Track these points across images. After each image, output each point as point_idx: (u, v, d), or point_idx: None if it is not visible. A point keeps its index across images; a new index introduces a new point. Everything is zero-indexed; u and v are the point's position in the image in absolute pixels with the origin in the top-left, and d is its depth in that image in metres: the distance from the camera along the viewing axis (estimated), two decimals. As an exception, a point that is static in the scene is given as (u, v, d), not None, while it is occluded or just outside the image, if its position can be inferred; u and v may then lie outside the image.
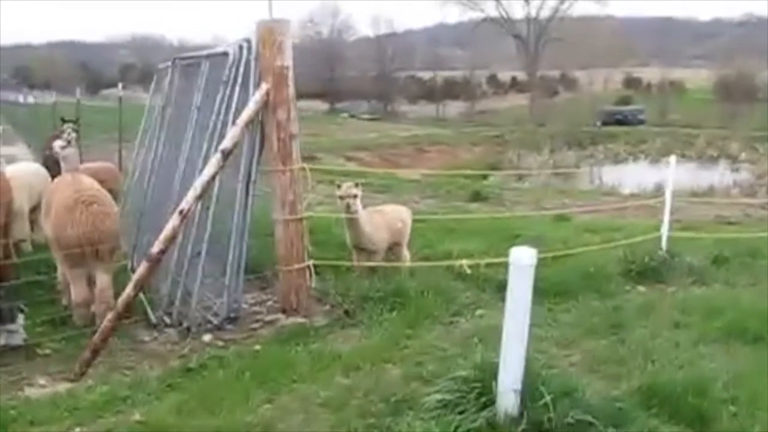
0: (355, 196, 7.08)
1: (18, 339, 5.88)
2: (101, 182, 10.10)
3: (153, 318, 6.52)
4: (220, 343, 6.13)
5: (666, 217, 8.61)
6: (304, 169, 6.47)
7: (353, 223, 7.13)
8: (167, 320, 6.48)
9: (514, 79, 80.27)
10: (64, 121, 12.39)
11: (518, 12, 70.67)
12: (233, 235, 6.34)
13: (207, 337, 6.23)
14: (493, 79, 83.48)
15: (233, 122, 6.18)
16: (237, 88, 6.35)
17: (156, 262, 5.71)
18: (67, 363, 5.68)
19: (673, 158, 8.96)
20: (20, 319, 5.96)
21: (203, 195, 5.95)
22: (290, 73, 6.25)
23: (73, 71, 79.20)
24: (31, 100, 22.49)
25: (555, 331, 6.44)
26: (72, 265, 6.24)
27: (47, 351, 5.95)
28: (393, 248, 7.83)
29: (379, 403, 4.87)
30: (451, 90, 76.51)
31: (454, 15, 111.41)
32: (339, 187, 7.12)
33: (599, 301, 7.29)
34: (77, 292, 6.28)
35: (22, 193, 8.27)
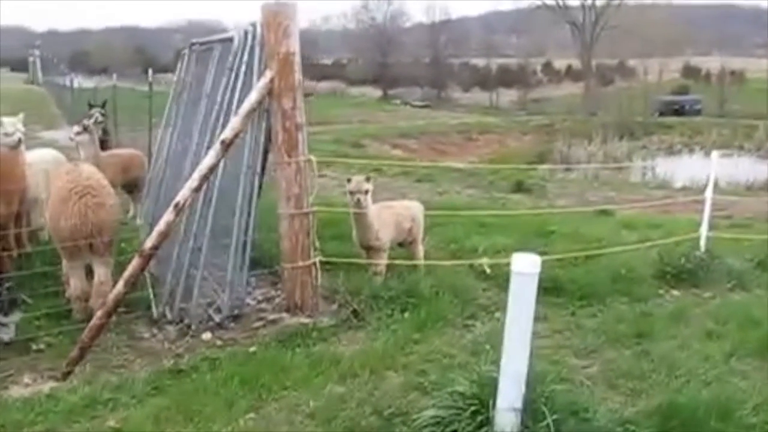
0: (366, 192, 6.68)
1: (5, 335, 5.65)
2: (127, 169, 10.07)
3: (155, 313, 6.27)
4: (219, 343, 5.85)
5: (706, 216, 8.05)
6: (310, 160, 6.10)
7: (361, 219, 6.75)
8: (169, 316, 6.23)
9: (569, 67, 78.76)
10: (91, 105, 12.28)
11: (575, -2, 69.20)
12: (235, 228, 6.04)
13: (207, 336, 5.96)
14: (547, 67, 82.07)
15: (237, 111, 5.87)
16: (241, 76, 6.05)
17: (148, 257, 5.44)
18: (58, 360, 5.44)
19: (715, 154, 8.39)
20: (15, 314, 5.72)
21: (201, 187, 5.65)
22: (296, 59, 5.89)
23: (130, 56, 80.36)
24: (76, 84, 22.60)
25: (576, 339, 6.05)
26: (68, 257, 6.04)
27: (41, 346, 5.73)
28: (406, 246, 7.45)
29: (371, 415, 4.56)
30: (505, 77, 75.38)
31: (508, 2, 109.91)
32: (349, 181, 6.74)
33: (628, 305, 6.85)
34: (74, 285, 6.08)
35: (39, 180, 8.10)
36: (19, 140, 7.67)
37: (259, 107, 5.95)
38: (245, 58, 6.06)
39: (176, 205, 5.50)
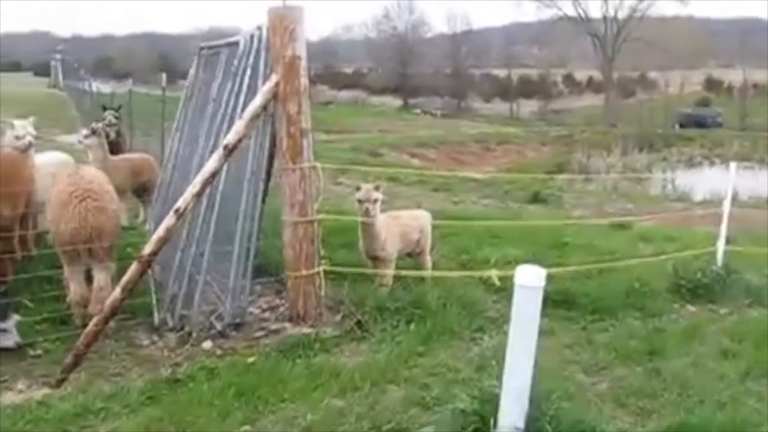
0: (376, 201, 6.52)
1: (9, 340, 5.56)
2: (137, 174, 10.00)
3: (156, 320, 6.16)
4: (219, 352, 5.70)
5: (723, 229, 7.83)
6: (315, 167, 5.97)
7: (369, 228, 6.58)
8: (170, 323, 6.11)
9: (590, 78, 78.41)
10: (105, 108, 12.25)
11: (596, 11, 68.91)
12: (238, 235, 5.92)
13: (207, 344, 5.83)
14: (569, 78, 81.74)
15: (241, 116, 5.75)
16: (246, 80, 5.94)
17: (147, 263, 5.33)
18: (54, 366, 5.32)
19: (733, 165, 8.18)
20: (12, 320, 5.62)
21: (203, 192, 5.54)
22: (303, 64, 5.76)
23: (152, 62, 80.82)
24: (95, 88, 22.67)
25: (586, 354, 5.87)
26: (68, 261, 5.93)
27: (38, 352, 5.63)
28: (414, 257, 7.29)
29: (370, 430, 4.41)
30: (526, 88, 75.19)
31: (530, 13, 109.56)
32: (358, 189, 6.59)
33: (641, 320, 6.66)
34: (74, 290, 5.97)
35: (46, 183, 8.02)
36: (30, 143, 7.61)
37: (264, 112, 5.83)
38: (251, 61, 5.95)
39: (177, 210, 5.39)
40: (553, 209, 17.06)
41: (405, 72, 74.90)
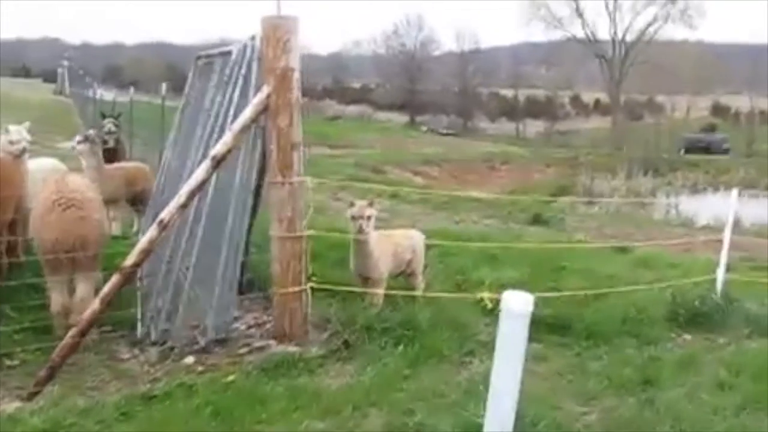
0: (369, 217, 6.38)
1: None
2: (131, 182, 9.88)
3: (138, 333, 6.01)
4: (200, 368, 5.55)
5: (723, 257, 7.67)
6: (305, 182, 5.83)
7: (361, 246, 6.43)
8: (153, 337, 5.96)
9: (597, 100, 78.40)
10: (104, 116, 12.16)
11: (604, 33, 68.91)
12: (224, 248, 5.78)
13: (189, 360, 5.68)
14: (576, 100, 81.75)
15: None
16: (238, 90, 5.82)
17: (127, 275, 5.19)
18: (30, 378, 5.18)
19: (735, 191, 8.01)
20: None
21: (188, 204, 5.41)
22: (295, 76, 5.63)
23: (161, 71, 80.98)
24: (99, 96, 22.61)
25: (577, 382, 5.69)
26: (50, 271, 5.80)
27: (15, 362, 5.50)
28: (405, 278, 7.13)
29: (347, 457, 4.24)
30: (533, 108, 75.22)
31: (538, 34, 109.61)
32: (352, 205, 6.45)
33: (636, 349, 6.46)
34: (55, 299, 5.84)
35: (37, 189, 7.90)
36: (24, 149, 7.51)
37: (256, 124, 5.71)
38: (243, 72, 5.83)
39: (160, 222, 5.26)
40: (554, 231, 16.88)
41: (413, 88, 74.97)
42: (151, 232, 5.24)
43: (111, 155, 11.19)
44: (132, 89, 18.67)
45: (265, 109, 5.61)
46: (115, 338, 6.02)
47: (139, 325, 6.12)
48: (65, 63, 47.80)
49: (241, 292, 7.00)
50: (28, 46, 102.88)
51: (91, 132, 9.41)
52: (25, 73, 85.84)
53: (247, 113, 5.53)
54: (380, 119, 73.07)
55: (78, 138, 9.16)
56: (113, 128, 11.55)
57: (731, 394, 5.50)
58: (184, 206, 5.35)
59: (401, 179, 31.10)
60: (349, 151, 38.22)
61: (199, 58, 7.71)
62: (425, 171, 36.90)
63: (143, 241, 5.21)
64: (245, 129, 5.54)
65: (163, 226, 5.26)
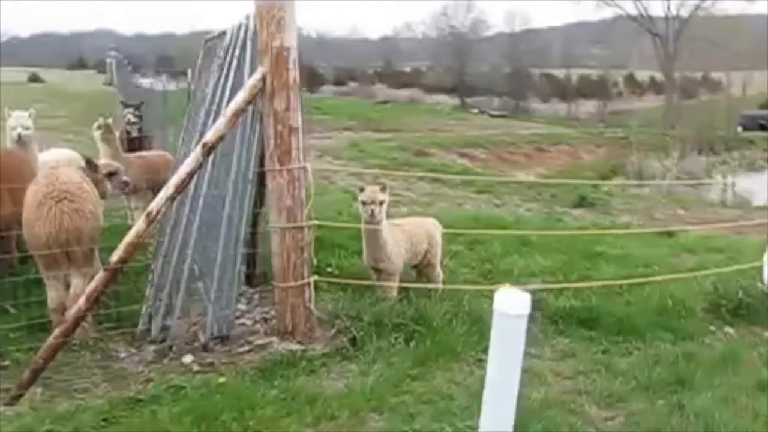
0: (382, 203, 5.96)
1: None
2: (152, 171, 9.64)
3: (138, 331, 5.74)
4: (196, 368, 5.25)
5: (771, 242, 7.08)
6: (305, 168, 5.45)
7: (373, 235, 6.02)
8: (153, 335, 5.68)
9: (652, 79, 76.39)
10: (124, 106, 11.97)
11: (657, 9, 66.82)
12: (221, 240, 5.46)
13: (187, 359, 5.38)
14: (629, 79, 79.80)
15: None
16: (232, 73, 5.47)
17: (114, 271, 4.89)
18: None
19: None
20: None
21: (177, 195, 5.08)
22: (292, 56, 5.24)
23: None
24: (146, 85, 22.59)
25: (603, 382, 5.22)
26: (44, 266, 5.55)
27: (6, 362, 5.27)
28: (421, 269, 6.71)
29: (335, 469, 3.88)
30: (585, 89, 73.61)
31: (588, 12, 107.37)
32: (362, 190, 6.05)
33: (672, 344, 5.96)
34: (51, 296, 5.59)
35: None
36: (19, 136, 7.28)
37: (253, 108, 5.36)
38: (237, 53, 5.48)
39: (148, 214, 4.95)
40: (599, 215, 16.23)
41: (463, 71, 73.98)
42: (139, 225, 4.94)
43: (135, 145, 11.01)
44: (164, 78, 18.53)
45: (260, 92, 5.24)
46: (115, 336, 5.76)
47: (141, 321, 5.86)
48: (113, 54, 48.11)
49: (254, 286, 6.72)
50: (83, 38, 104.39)
51: (101, 119, 9.18)
52: (81, 65, 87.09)
53: (240, 97, 5.17)
54: (429, 102, 72.33)
55: (96, 125, 8.97)
56: (133, 119, 11.34)
57: (773, 396, 4.99)
58: (172, 198, 5.02)
59: (446, 162, 30.49)
60: (396, 135, 37.69)
61: (207, 40, 7.39)
62: (472, 153, 36.10)
63: (130, 235, 4.90)
64: (238, 113, 5.18)
65: (151, 219, 4.95)
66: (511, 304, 3.23)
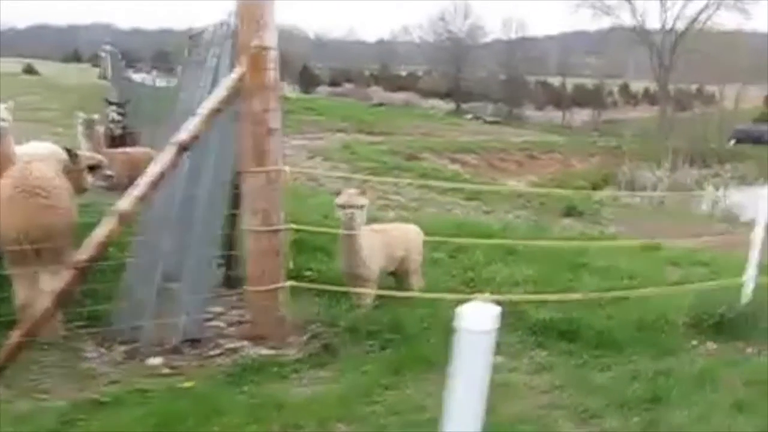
0: (361, 207, 5.86)
1: None
2: (135, 168, 9.51)
3: (109, 331, 5.62)
4: (165, 371, 5.15)
5: (754, 258, 7.01)
6: (282, 171, 5.35)
7: (349, 241, 5.91)
8: (125, 335, 5.57)
9: (646, 89, 76.58)
10: (109, 103, 11.85)
11: (654, 21, 66.89)
12: (195, 242, 5.36)
13: (156, 361, 5.27)
14: (624, 89, 80.00)
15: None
16: (212, 72, 5.37)
17: (82, 271, 4.78)
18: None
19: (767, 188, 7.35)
20: None
21: (147, 195, 4.97)
22: (271, 56, 5.15)
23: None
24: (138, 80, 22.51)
25: (579, 397, 5.12)
26: (12, 262, 5.42)
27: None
28: (399, 277, 6.60)
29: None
30: (580, 97, 73.79)
31: (585, 22, 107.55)
32: (339, 194, 5.94)
33: (651, 359, 5.87)
34: (19, 294, 5.44)
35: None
36: None
37: (230, 107, 5.26)
38: (216, 51, 5.38)
39: (120, 213, 4.84)
40: (587, 224, 16.20)
41: (459, 76, 74.01)
42: (109, 223, 4.82)
43: (118, 143, 10.90)
44: (155, 73, 18.41)
45: (238, 92, 5.15)
46: (85, 335, 5.64)
47: (112, 321, 5.74)
48: (107, 48, 47.88)
49: (233, 288, 6.61)
50: (79, 32, 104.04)
51: (82, 115, 9.08)
52: (76, 58, 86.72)
53: (217, 96, 5.07)
54: (424, 106, 72.28)
55: (80, 119, 8.88)
56: (116, 117, 11.23)
57: (749, 415, 4.89)
58: (143, 197, 4.91)
59: (437, 167, 30.40)
60: (388, 138, 37.59)
61: (191, 37, 7.28)
62: (463, 159, 36.02)
63: (99, 234, 4.79)
64: (214, 113, 5.08)
65: (122, 217, 4.84)
66: (476, 319, 3.09)
